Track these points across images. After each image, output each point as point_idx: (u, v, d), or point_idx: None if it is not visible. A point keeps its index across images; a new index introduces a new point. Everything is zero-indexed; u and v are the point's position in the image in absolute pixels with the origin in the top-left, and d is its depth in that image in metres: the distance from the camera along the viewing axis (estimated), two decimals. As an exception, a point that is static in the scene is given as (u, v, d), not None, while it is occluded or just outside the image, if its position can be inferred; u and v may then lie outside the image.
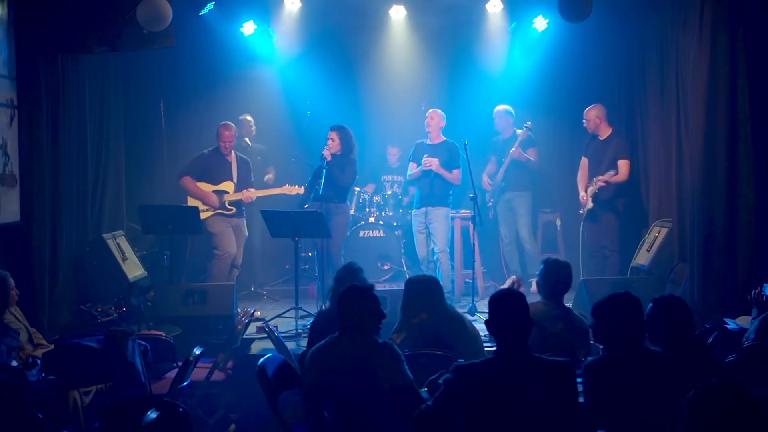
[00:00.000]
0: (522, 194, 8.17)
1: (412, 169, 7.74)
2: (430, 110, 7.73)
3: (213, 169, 7.56)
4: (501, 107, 8.27)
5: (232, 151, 7.66)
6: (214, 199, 7.47)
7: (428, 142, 7.67)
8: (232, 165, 7.62)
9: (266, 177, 8.48)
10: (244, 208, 7.69)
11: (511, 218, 8.20)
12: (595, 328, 3.51)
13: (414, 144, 7.86)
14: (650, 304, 3.75)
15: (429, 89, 9.13)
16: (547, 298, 4.54)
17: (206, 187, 7.51)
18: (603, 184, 7.33)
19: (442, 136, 7.66)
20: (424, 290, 4.52)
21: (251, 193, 7.56)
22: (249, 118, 8.52)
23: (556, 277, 4.56)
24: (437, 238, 7.51)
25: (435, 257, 7.58)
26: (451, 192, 7.67)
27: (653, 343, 3.62)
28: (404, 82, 9.11)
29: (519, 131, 8.18)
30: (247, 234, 7.76)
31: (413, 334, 4.35)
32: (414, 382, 3.67)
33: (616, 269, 7.47)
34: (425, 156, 7.50)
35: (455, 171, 7.53)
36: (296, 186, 7.59)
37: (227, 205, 7.52)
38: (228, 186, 7.57)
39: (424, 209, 7.60)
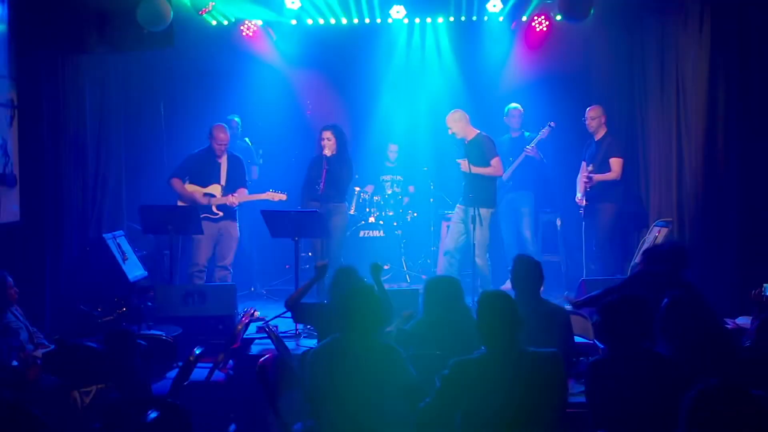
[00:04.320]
0: (525, 194, 8.14)
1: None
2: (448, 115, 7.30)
3: (202, 171, 7.35)
4: (516, 106, 8.23)
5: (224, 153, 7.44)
6: (204, 201, 7.26)
7: (466, 141, 7.31)
8: (221, 167, 7.41)
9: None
10: (235, 209, 7.41)
11: (513, 218, 8.17)
12: (599, 327, 3.52)
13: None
14: (665, 300, 3.73)
15: (428, 89, 9.13)
16: (520, 294, 4.52)
17: (194, 190, 7.31)
18: (586, 180, 7.31)
19: (474, 129, 7.27)
20: (446, 291, 4.50)
21: (234, 198, 7.28)
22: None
23: (524, 273, 4.57)
24: (474, 243, 7.06)
25: (457, 256, 7.38)
26: (493, 188, 7.27)
27: (667, 342, 3.60)
28: (404, 82, 9.11)
29: (524, 131, 8.19)
30: (237, 236, 7.50)
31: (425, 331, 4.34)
32: (418, 380, 3.67)
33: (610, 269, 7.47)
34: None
35: (493, 161, 7.19)
36: (279, 192, 7.41)
37: (214, 210, 7.31)
38: (215, 189, 7.35)
39: (463, 207, 7.32)
